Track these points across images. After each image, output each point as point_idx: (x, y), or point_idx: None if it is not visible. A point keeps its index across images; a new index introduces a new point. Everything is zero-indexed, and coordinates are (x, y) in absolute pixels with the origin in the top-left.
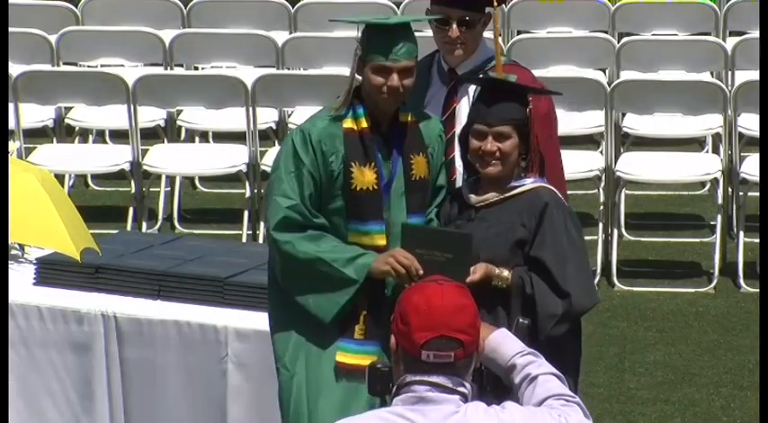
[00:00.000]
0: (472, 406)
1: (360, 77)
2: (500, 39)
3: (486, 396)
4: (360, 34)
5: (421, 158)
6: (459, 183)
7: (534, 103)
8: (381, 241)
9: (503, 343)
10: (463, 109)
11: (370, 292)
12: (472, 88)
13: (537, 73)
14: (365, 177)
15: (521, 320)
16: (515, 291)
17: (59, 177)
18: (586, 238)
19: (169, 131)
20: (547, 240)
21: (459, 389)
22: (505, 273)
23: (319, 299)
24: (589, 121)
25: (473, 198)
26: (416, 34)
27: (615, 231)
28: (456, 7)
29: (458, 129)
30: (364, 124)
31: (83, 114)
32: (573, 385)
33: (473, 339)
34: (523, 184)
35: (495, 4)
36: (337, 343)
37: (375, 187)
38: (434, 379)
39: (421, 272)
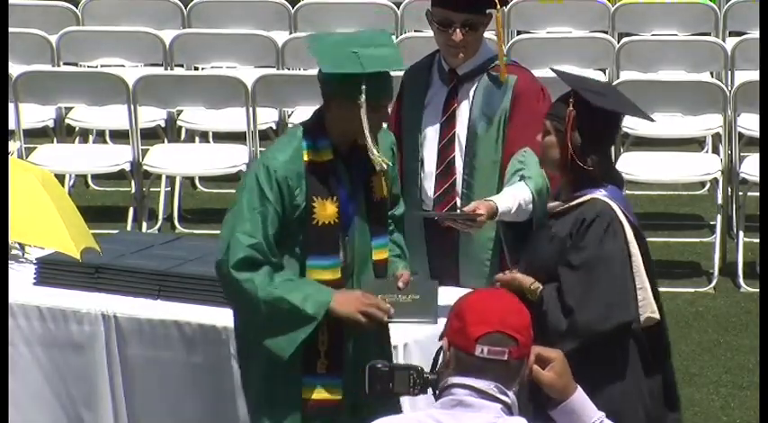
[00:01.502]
0: (514, 421)
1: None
2: (500, 38)
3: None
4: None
5: (378, 177)
6: (458, 183)
7: (527, 87)
8: (337, 275)
9: (583, 406)
10: (463, 109)
11: (329, 327)
12: (472, 89)
13: (537, 73)
14: (327, 211)
15: None
16: (538, 306)
17: (60, 177)
18: None
19: (169, 131)
20: (572, 256)
21: (501, 397)
22: (538, 286)
23: (277, 336)
24: None
25: (549, 205)
26: (417, 34)
27: None
28: (459, 11)
29: (458, 129)
30: (328, 157)
31: (83, 114)
32: None
33: (527, 342)
34: (582, 195)
35: (498, 5)
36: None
37: (336, 221)
38: (476, 383)
39: (392, 311)
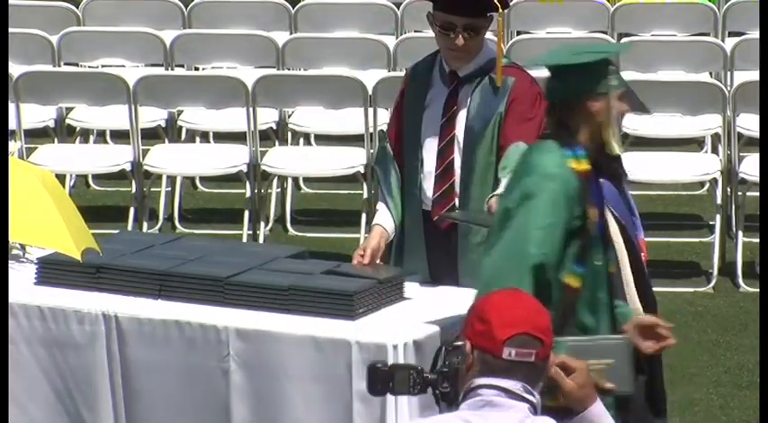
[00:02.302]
0: (541, 420)
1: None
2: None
3: None
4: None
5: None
6: (457, 185)
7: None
8: (580, 283)
9: (599, 417)
10: (463, 111)
11: None
12: (471, 90)
13: (536, 74)
14: (593, 219)
15: None
16: None
17: (60, 177)
18: None
19: (170, 132)
20: None
21: (528, 397)
22: None
23: None
24: None
25: None
26: (417, 34)
27: None
28: (461, 15)
29: (457, 131)
30: (587, 166)
31: (84, 114)
32: None
33: (550, 343)
34: None
35: (500, 9)
36: None
37: (594, 231)
38: (503, 383)
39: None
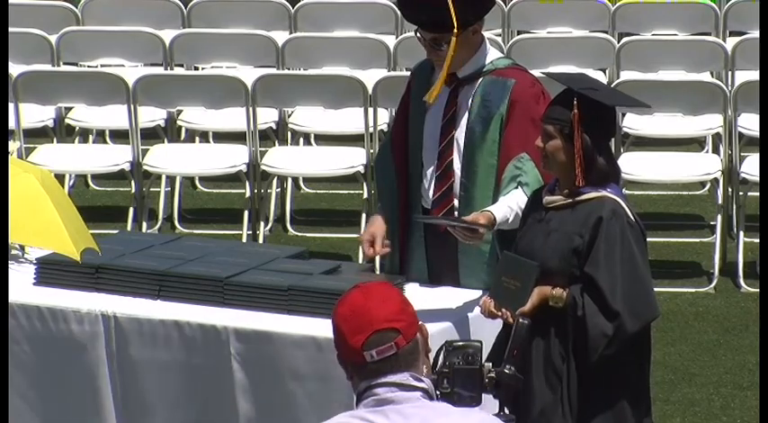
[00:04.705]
0: (437, 405)
1: None
2: (451, 61)
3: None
4: None
5: None
6: (456, 186)
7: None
8: None
9: None
10: (463, 112)
11: None
12: (472, 92)
13: (537, 73)
14: None
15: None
16: (570, 311)
17: (60, 177)
18: None
19: (169, 131)
20: (599, 257)
21: (418, 384)
22: (562, 292)
23: None
24: None
25: (546, 198)
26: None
27: None
28: (425, 30)
29: (457, 132)
30: None
31: (83, 114)
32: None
33: (408, 324)
34: (586, 193)
35: (455, 29)
36: None
37: None
38: (391, 378)
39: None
